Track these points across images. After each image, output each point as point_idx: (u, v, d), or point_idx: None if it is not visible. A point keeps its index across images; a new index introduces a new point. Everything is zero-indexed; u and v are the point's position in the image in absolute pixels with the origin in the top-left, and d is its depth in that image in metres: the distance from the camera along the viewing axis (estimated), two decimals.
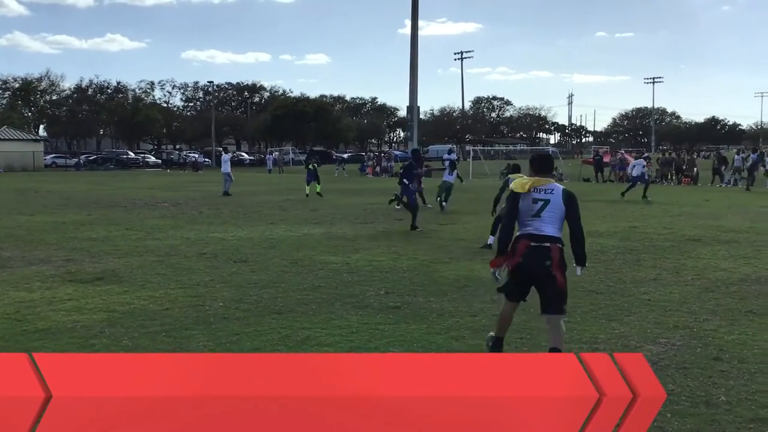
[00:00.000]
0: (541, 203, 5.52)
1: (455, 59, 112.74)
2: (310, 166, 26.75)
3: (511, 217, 5.65)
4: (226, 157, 28.47)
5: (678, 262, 10.57)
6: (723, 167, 37.25)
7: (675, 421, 4.46)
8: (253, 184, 33.45)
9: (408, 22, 62.19)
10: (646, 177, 24.07)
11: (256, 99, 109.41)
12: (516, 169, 11.87)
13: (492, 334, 5.77)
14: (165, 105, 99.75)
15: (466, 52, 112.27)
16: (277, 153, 64.18)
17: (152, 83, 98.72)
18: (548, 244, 5.46)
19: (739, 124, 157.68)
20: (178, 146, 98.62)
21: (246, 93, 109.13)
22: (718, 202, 22.00)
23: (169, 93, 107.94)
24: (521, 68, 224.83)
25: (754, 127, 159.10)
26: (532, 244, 5.45)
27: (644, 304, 7.73)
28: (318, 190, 25.60)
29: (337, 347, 6.11)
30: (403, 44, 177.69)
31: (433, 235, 13.91)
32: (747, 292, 8.34)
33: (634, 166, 24.95)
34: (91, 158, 70.74)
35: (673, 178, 35.82)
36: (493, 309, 7.51)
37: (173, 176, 48.85)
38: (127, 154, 72.78)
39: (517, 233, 5.60)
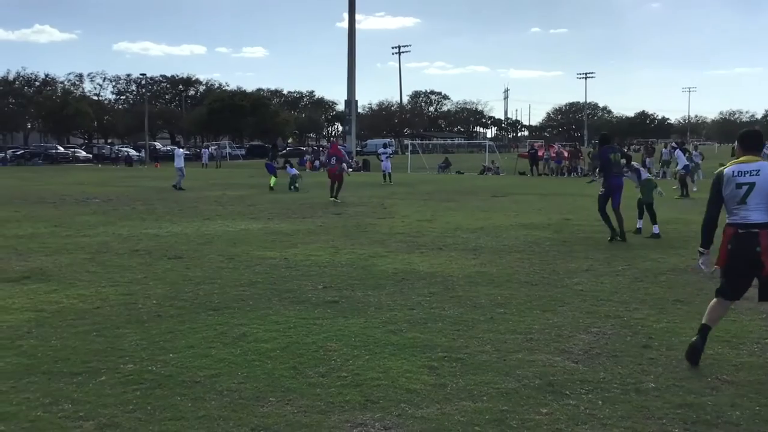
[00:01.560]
0: (745, 188, 5.27)
1: (393, 53, 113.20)
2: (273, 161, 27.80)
3: (716, 206, 5.50)
4: (179, 152, 28.86)
5: (609, 253, 10.85)
6: (648, 159, 38.52)
7: (606, 408, 4.57)
8: (189, 179, 32.77)
9: (346, 16, 61.96)
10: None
11: (192, 92, 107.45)
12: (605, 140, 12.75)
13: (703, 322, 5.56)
14: (96, 98, 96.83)
15: (404, 46, 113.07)
16: (213, 147, 63.15)
17: (81, 76, 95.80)
18: (756, 230, 5.23)
19: (668, 119, 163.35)
20: (109, 140, 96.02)
21: (181, 86, 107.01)
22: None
23: (100, 86, 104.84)
24: (458, 63, 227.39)
25: (681, 121, 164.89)
26: (740, 231, 5.31)
27: (577, 295, 7.90)
28: (272, 184, 26.40)
29: (274, 343, 6.04)
30: (341, 38, 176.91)
31: (371, 230, 13.92)
32: (675, 282, 8.62)
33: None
34: (18, 153, 68.03)
35: None
36: (432, 301, 7.58)
37: (105, 171, 47.52)
38: (57, 149, 70.41)
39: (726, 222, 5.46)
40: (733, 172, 5.35)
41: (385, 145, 31.23)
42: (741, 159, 5.44)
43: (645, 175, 13.40)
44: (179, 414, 4.51)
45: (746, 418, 4.40)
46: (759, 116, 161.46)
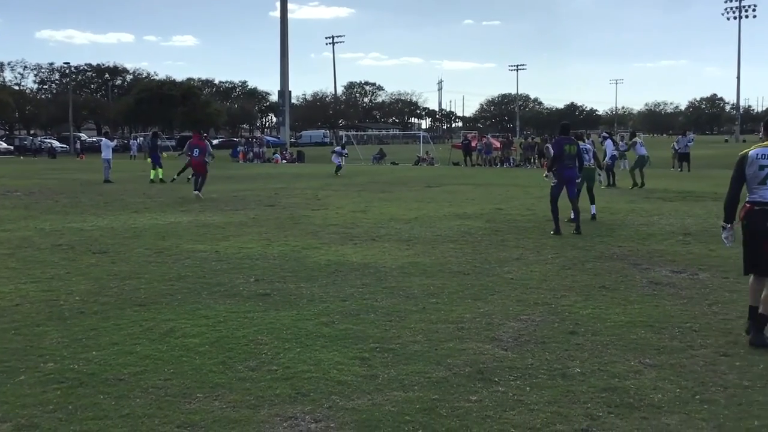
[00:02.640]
0: (766, 170, 5.72)
1: (327, 44, 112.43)
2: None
3: (738, 184, 5.89)
4: (107, 143, 27.69)
5: (539, 241, 11.06)
6: None
7: (533, 393, 4.65)
8: (116, 170, 31.84)
9: (279, 5, 61.14)
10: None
11: (119, 82, 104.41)
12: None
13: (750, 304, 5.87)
14: (17, 87, 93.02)
15: (338, 36, 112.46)
16: (141, 138, 61.50)
17: (1, 64, 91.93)
18: None
19: (596, 110, 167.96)
20: (32, 131, 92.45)
21: (107, 75, 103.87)
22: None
23: (21, 75, 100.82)
24: (393, 54, 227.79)
25: (609, 112, 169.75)
26: (756, 208, 5.73)
27: (508, 283, 8.02)
28: (161, 176, 25.55)
29: (202, 338, 5.91)
30: (274, 27, 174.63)
31: (305, 221, 13.81)
32: (601, 269, 8.84)
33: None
34: None
35: (536, 161, 37.49)
36: (364, 293, 7.56)
37: (27, 164, 45.74)
38: None
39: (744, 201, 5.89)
40: (758, 154, 5.83)
41: (343, 146, 30.87)
42: (765, 143, 5.89)
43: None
44: (102, 413, 4.37)
45: (667, 400, 4.54)
46: (683, 107, 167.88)
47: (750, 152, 5.90)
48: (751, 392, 4.67)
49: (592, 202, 13.58)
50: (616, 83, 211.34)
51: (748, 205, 5.82)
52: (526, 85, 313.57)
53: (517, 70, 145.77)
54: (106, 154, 26.82)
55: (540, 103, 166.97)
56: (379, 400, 4.56)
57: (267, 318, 6.57)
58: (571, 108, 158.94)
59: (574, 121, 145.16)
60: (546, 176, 12.52)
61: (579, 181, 12.75)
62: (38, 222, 13.77)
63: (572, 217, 12.16)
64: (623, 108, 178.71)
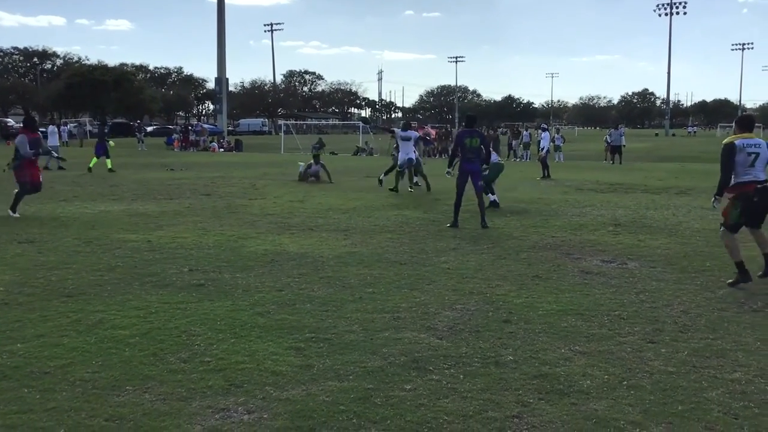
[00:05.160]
0: (753, 156, 7.32)
1: (266, 31, 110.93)
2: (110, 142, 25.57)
3: (729, 169, 7.40)
4: (52, 128, 26.92)
5: (475, 232, 11.18)
6: (514, 142, 40.24)
7: (467, 381, 4.70)
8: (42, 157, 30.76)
9: None
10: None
11: (48, 66, 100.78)
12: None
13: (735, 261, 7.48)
14: None
15: (277, 24, 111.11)
16: (73, 125, 59.65)
17: None
18: None
19: (533, 103, 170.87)
20: None
21: (36, 59, 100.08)
22: (513, 175, 23.59)
23: None
24: (333, 43, 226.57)
25: (545, 105, 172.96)
26: (758, 186, 7.29)
27: (444, 273, 8.09)
28: (110, 166, 24.60)
29: (133, 329, 5.77)
30: (211, 13, 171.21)
31: (242, 211, 13.63)
32: (535, 259, 9.01)
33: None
34: None
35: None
36: (300, 282, 7.51)
37: None
38: None
39: (735, 181, 7.39)
40: (744, 144, 7.37)
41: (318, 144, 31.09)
42: (744, 135, 7.45)
43: (496, 158, 14.62)
44: (26, 407, 4.22)
45: (596, 386, 4.66)
46: (615, 101, 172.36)
47: (736, 142, 7.37)
48: (676, 378, 4.83)
49: (492, 191, 14.24)
50: (552, 77, 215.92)
51: (750, 186, 7.29)
52: (465, 77, 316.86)
53: (456, 61, 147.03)
54: (53, 140, 26.19)
55: (479, 95, 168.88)
56: (314, 390, 4.54)
57: (201, 309, 6.45)
58: (509, 100, 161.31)
59: (512, 113, 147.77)
60: (447, 173, 12.76)
61: (487, 174, 13.09)
62: None
63: (482, 214, 11.95)
64: (559, 101, 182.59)
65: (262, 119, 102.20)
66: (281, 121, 68.56)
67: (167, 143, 51.33)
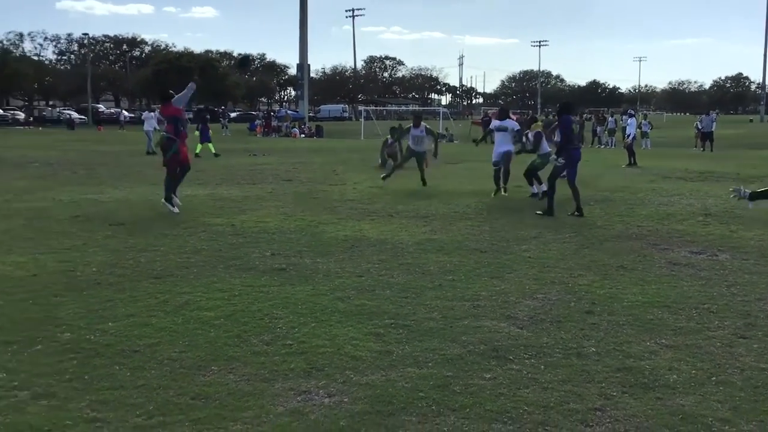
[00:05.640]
0: None
1: (347, 17, 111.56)
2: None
3: None
4: (147, 114, 28.24)
5: (557, 220, 10.96)
6: (599, 128, 39.14)
7: (548, 372, 4.62)
8: (134, 143, 31.99)
9: None
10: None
11: (137, 53, 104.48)
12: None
13: None
14: (36, 58, 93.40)
15: (358, 9, 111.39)
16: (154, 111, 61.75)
17: (21, 35, 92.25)
18: None
19: (619, 88, 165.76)
20: (51, 102, 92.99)
21: (125, 46, 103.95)
22: (597, 162, 23.01)
23: (41, 45, 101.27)
24: (415, 28, 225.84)
25: (632, 90, 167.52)
26: None
27: (525, 262, 7.97)
28: (213, 150, 25.48)
29: (217, 311, 5.93)
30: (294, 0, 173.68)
31: (322, 196, 13.79)
32: (619, 249, 8.75)
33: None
34: None
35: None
36: (380, 269, 7.55)
37: (46, 135, 46.05)
38: None
39: None
40: None
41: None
42: None
43: (547, 149, 13.78)
44: (117, 383, 4.40)
45: (682, 381, 4.50)
46: (707, 86, 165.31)
47: None
48: None
49: (539, 182, 13.67)
50: (640, 61, 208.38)
51: None
52: (549, 61, 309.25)
53: (539, 46, 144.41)
54: (148, 125, 27.23)
55: (562, 80, 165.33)
56: (393, 376, 4.56)
57: (283, 292, 6.57)
58: (594, 85, 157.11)
59: (597, 99, 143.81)
60: (558, 160, 11.67)
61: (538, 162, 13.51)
62: (56, 193, 13.87)
63: (577, 203, 11.65)
64: (647, 86, 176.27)
65: (342, 105, 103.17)
66: (361, 107, 69.01)
67: (250, 129, 52.49)
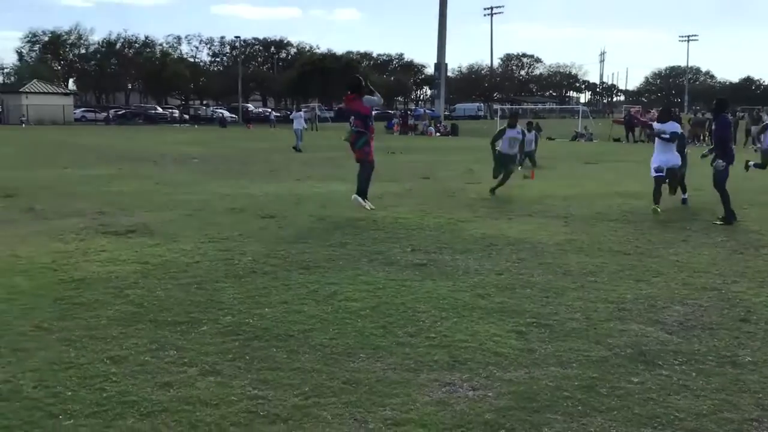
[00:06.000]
0: None
1: (485, 15, 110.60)
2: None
3: None
4: (296, 114, 30.13)
5: (707, 223, 10.46)
6: (753, 128, 36.54)
7: (700, 379, 4.48)
8: (282, 140, 33.50)
9: None
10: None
11: (283, 55, 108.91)
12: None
13: None
14: (192, 60, 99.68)
15: (497, 7, 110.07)
16: (305, 110, 64.09)
17: (179, 38, 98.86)
18: None
19: None
20: (204, 102, 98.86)
21: (273, 48, 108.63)
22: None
23: (196, 48, 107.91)
24: (554, 25, 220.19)
25: None
26: None
27: (673, 266, 7.69)
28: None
29: (363, 302, 6.19)
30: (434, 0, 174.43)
31: (459, 194, 13.89)
32: None
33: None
34: (119, 113, 71.28)
35: (706, 139, 35.14)
36: (520, 267, 7.55)
37: (200, 132, 49.09)
38: (156, 109, 73.20)
39: None
40: None
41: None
42: None
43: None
44: (275, 365, 4.72)
45: None
46: None
47: None
48: None
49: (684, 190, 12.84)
50: None
51: None
52: (697, 57, 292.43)
53: (687, 41, 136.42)
54: (298, 124, 28.83)
55: (712, 77, 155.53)
56: (537, 374, 4.59)
57: (424, 287, 6.74)
58: (747, 82, 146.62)
59: (751, 96, 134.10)
60: (721, 165, 10.64)
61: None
62: (214, 186, 14.85)
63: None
64: None
65: (477, 104, 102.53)
66: (496, 106, 68.33)
67: (387, 127, 53.36)
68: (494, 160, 14.22)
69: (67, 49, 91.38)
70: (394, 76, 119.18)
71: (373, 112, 10.93)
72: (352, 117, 11.48)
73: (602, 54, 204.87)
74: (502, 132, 14.32)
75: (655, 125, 12.16)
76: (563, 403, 4.14)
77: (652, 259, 8.04)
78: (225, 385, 4.38)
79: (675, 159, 11.84)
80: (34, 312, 5.82)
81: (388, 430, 3.80)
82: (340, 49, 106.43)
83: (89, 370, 4.59)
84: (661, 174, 11.63)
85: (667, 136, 11.65)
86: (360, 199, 11.20)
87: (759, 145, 31.67)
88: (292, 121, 30.67)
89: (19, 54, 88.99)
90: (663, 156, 11.73)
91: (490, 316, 5.84)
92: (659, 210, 11.23)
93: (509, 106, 68.52)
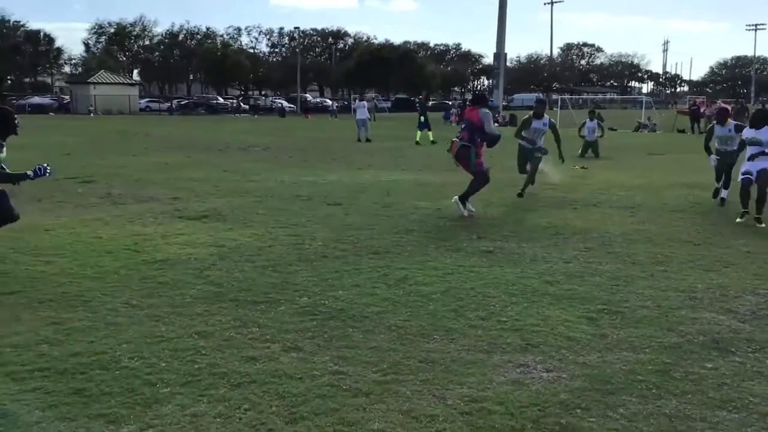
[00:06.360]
0: None
1: (545, 3, 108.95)
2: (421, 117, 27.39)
3: None
4: (359, 104, 29.98)
5: None
6: None
7: None
8: (342, 130, 33.90)
9: None
10: None
11: (341, 45, 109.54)
12: None
13: None
14: (252, 51, 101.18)
15: None
16: (365, 101, 64.51)
17: (239, 29, 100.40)
18: None
19: None
20: (263, 92, 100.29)
21: (330, 39, 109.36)
22: None
23: (256, 39, 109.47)
24: (616, 13, 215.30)
25: None
26: None
27: (744, 256, 7.61)
28: (431, 138, 26.45)
29: (434, 287, 6.33)
30: None
31: (521, 184, 13.86)
32: None
33: None
34: (182, 103, 72.88)
35: None
36: (588, 256, 7.59)
37: (260, 122, 49.90)
38: (217, 100, 74.65)
39: None
40: None
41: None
42: None
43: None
44: (353, 343, 4.92)
45: None
46: None
47: None
48: None
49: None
50: None
51: None
52: (765, 46, 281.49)
53: (755, 29, 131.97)
54: (361, 114, 28.43)
55: None
56: (610, 358, 4.67)
57: (492, 273, 6.85)
58: None
59: None
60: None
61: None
62: (278, 174, 15.19)
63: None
64: None
65: (536, 94, 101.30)
66: (556, 96, 67.39)
67: (444, 118, 53.25)
68: (518, 154, 12.72)
69: (132, 41, 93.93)
70: (451, 66, 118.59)
71: (487, 130, 10.18)
72: (462, 127, 10.72)
73: (665, 44, 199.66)
74: (527, 122, 12.40)
75: (747, 132, 10.23)
76: (637, 386, 4.22)
77: (721, 249, 7.96)
78: (307, 361, 4.59)
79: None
80: (122, 290, 6.16)
81: (467, 407, 3.94)
82: (397, 39, 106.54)
83: (179, 343, 4.86)
84: (749, 176, 9.82)
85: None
86: (461, 204, 10.25)
87: None
88: (354, 111, 30.60)
89: (86, 45, 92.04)
90: (754, 159, 9.88)
91: (559, 302, 5.92)
92: (761, 224, 9.45)
93: (569, 96, 67.51)
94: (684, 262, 7.36)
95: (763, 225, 9.36)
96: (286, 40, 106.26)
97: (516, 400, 4.02)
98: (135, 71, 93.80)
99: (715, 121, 11.82)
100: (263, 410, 3.88)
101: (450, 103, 70.02)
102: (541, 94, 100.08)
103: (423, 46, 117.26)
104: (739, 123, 11.78)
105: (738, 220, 9.70)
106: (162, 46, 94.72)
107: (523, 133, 12.66)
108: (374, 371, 4.44)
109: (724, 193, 11.60)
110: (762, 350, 4.80)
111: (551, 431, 3.66)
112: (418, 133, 27.09)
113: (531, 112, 12.63)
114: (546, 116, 12.44)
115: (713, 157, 11.66)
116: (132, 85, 71.62)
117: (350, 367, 4.49)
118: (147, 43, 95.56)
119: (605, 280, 6.64)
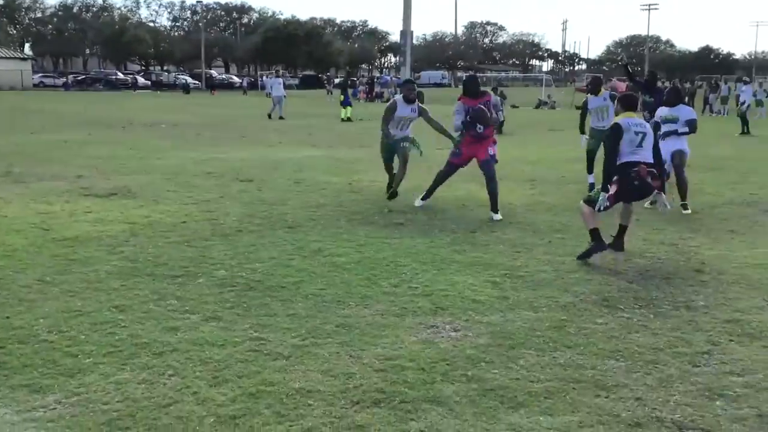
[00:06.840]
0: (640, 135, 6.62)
1: None
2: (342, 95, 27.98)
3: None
4: (275, 80, 29.52)
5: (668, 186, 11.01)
6: (711, 95, 37.64)
7: (657, 320, 4.99)
8: (250, 107, 33.49)
9: None
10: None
11: (245, 20, 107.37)
12: None
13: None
14: (152, 24, 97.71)
15: None
16: (272, 76, 63.65)
17: (138, 2, 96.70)
18: None
19: (733, 54, 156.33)
20: (166, 68, 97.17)
21: (234, 14, 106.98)
22: (708, 131, 22.38)
23: (156, 12, 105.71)
24: None
25: (747, 56, 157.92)
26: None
27: (634, 224, 8.19)
28: (348, 115, 26.62)
29: (348, 257, 6.57)
30: None
31: (430, 160, 14.26)
32: (730, 214, 8.85)
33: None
34: (79, 78, 69.80)
35: None
36: (492, 226, 8.01)
37: (164, 98, 48.51)
38: (116, 75, 71.87)
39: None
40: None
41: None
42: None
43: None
44: (271, 312, 5.10)
45: None
46: None
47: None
48: None
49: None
50: (757, 25, 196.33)
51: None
52: (658, 26, 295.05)
53: (648, 9, 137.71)
54: (277, 91, 27.78)
55: (672, 46, 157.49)
56: (511, 317, 5.05)
57: (403, 244, 7.15)
58: (706, 51, 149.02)
59: (709, 65, 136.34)
60: None
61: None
62: (186, 152, 15.00)
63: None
64: (763, 52, 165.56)
65: (442, 72, 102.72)
66: (460, 74, 68.62)
67: (353, 95, 53.36)
68: (380, 148, 10.24)
69: (23, 13, 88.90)
70: (358, 43, 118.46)
71: (472, 113, 9.34)
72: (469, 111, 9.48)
73: (564, 23, 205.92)
74: (391, 109, 9.82)
75: (662, 111, 9.61)
76: (536, 341, 4.61)
77: (614, 218, 8.53)
78: (227, 329, 4.75)
79: (682, 145, 9.39)
80: (33, 267, 6.08)
81: (381, 364, 4.21)
82: (303, 15, 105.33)
83: (98, 317, 4.91)
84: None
85: (686, 129, 9.29)
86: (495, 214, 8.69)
87: (714, 114, 32.58)
88: (268, 87, 30.04)
89: None
90: (666, 144, 9.11)
91: (466, 269, 6.28)
92: (686, 210, 9.17)
93: (472, 74, 68.81)
94: (580, 229, 7.83)
95: (689, 211, 8.99)
96: (188, 14, 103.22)
97: (427, 357, 4.33)
98: (26, 45, 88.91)
99: (588, 94, 11.03)
100: (187, 375, 4.02)
101: (356, 80, 70.02)
102: (447, 72, 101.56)
103: (330, 22, 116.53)
104: (613, 92, 10.79)
105: (646, 205, 9.11)
106: (55, 19, 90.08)
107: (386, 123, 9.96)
108: (293, 336, 4.64)
109: (590, 178, 10.74)
110: (647, 306, 5.30)
111: (459, 382, 3.98)
112: (342, 110, 27.33)
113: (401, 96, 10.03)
114: (416, 102, 9.97)
115: (584, 137, 10.86)
116: (24, 59, 67.97)
117: (270, 334, 4.68)
118: (39, 15, 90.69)
119: (508, 247, 7.06)
